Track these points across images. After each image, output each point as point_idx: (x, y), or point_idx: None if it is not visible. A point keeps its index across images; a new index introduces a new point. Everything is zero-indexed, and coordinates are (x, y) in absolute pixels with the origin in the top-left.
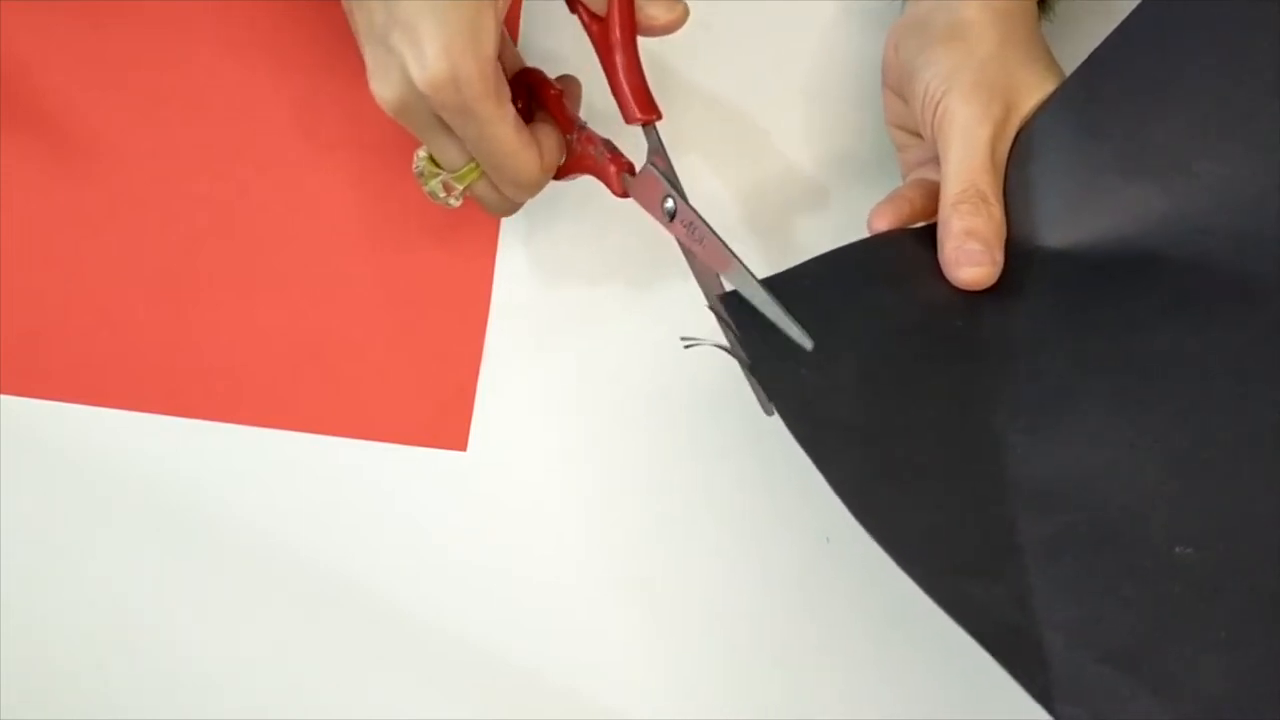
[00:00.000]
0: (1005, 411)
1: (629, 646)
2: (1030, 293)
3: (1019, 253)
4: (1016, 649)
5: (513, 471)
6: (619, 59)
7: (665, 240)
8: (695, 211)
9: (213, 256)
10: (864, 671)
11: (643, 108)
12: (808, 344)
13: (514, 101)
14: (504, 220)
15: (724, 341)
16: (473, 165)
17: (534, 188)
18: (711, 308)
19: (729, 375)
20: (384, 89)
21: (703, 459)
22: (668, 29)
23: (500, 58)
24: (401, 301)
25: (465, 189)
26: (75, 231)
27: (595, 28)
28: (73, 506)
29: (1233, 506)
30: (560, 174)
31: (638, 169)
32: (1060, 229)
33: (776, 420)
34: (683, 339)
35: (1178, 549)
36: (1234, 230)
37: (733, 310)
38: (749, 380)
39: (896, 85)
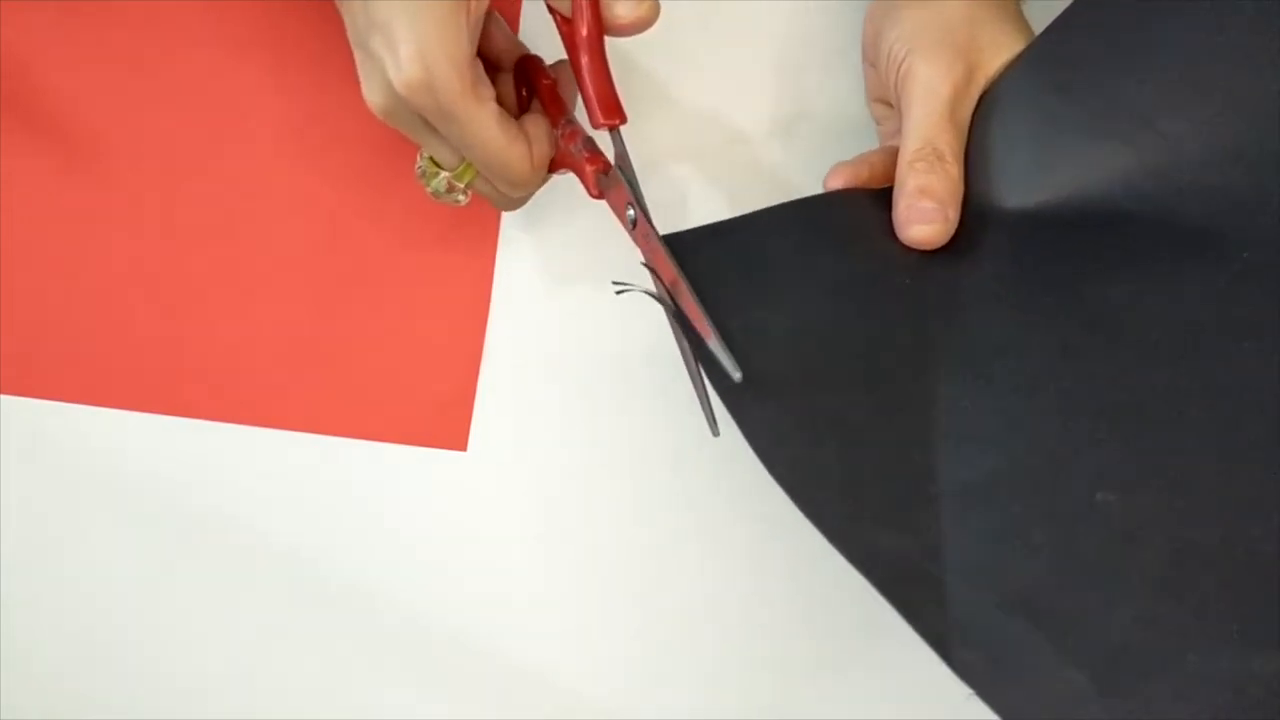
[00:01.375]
0: (943, 363)
1: (628, 646)
2: (986, 252)
3: (979, 213)
4: (915, 595)
5: (513, 471)
6: (584, 61)
7: None
8: (652, 225)
9: (213, 256)
10: (865, 671)
11: (606, 112)
12: (736, 375)
13: (516, 90)
14: (504, 220)
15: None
16: (467, 163)
17: (527, 184)
18: (646, 265)
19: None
20: (370, 93)
21: (703, 458)
22: (635, 28)
23: (495, 48)
24: (401, 301)
25: (467, 185)
26: (75, 231)
27: (564, 29)
28: (73, 506)
29: (1163, 456)
30: (549, 167)
31: (612, 170)
32: (1024, 190)
33: None
34: (614, 283)
35: (1099, 495)
36: (1199, 189)
37: (676, 251)
38: (698, 397)
39: (871, 55)
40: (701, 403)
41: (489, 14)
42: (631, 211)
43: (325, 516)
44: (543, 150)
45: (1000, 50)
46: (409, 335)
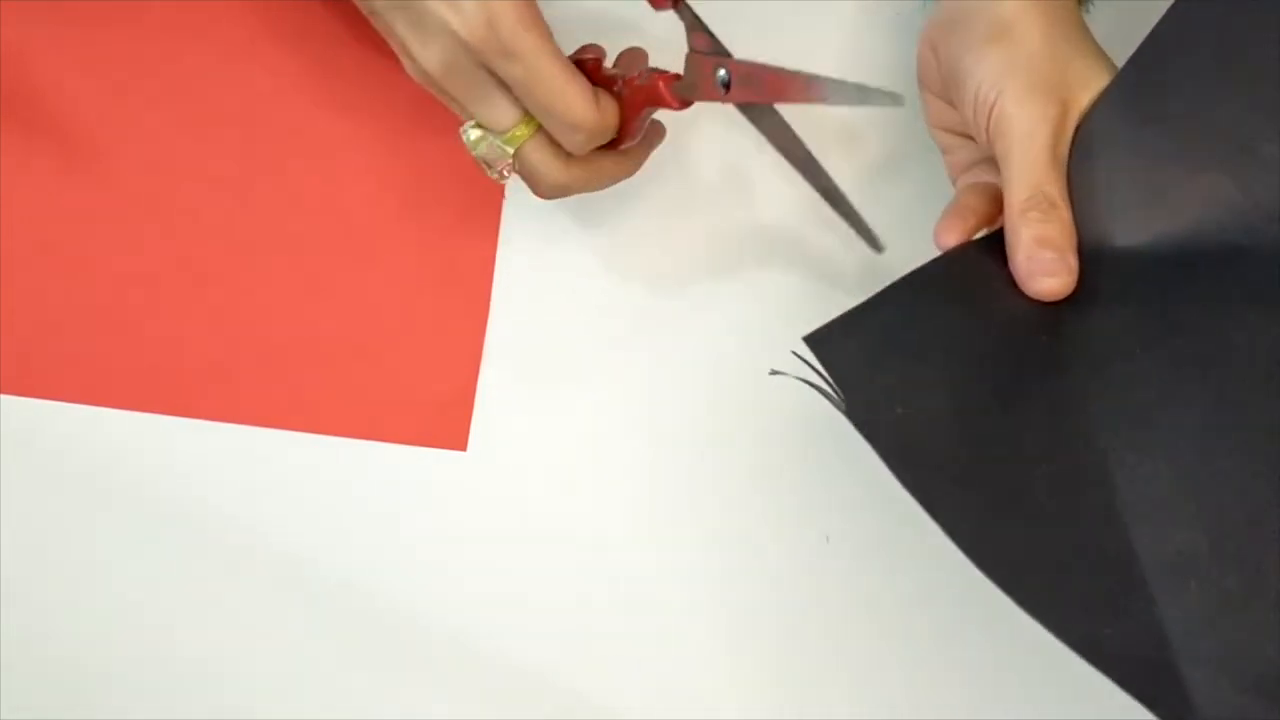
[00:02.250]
0: (1106, 428)
1: (628, 646)
2: (1109, 296)
3: (1091, 255)
4: (1157, 687)
5: (513, 472)
6: None
7: (667, 239)
8: (745, 62)
9: (212, 257)
10: (864, 672)
11: None
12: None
13: None
14: (504, 218)
15: (816, 380)
16: (524, 123)
17: (589, 132)
18: (795, 353)
19: (728, 376)
20: (426, 55)
21: (702, 458)
22: None
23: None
24: (402, 301)
25: (516, 151)
26: (75, 231)
27: None
28: (73, 506)
29: None
30: (624, 132)
31: (685, 68)
32: (1131, 227)
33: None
34: (772, 371)
35: None
36: None
37: (818, 351)
38: (828, 397)
39: (939, 89)
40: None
41: (595, 46)
42: (723, 72)
43: (325, 516)
44: (609, 107)
45: (1088, 83)
46: (409, 335)
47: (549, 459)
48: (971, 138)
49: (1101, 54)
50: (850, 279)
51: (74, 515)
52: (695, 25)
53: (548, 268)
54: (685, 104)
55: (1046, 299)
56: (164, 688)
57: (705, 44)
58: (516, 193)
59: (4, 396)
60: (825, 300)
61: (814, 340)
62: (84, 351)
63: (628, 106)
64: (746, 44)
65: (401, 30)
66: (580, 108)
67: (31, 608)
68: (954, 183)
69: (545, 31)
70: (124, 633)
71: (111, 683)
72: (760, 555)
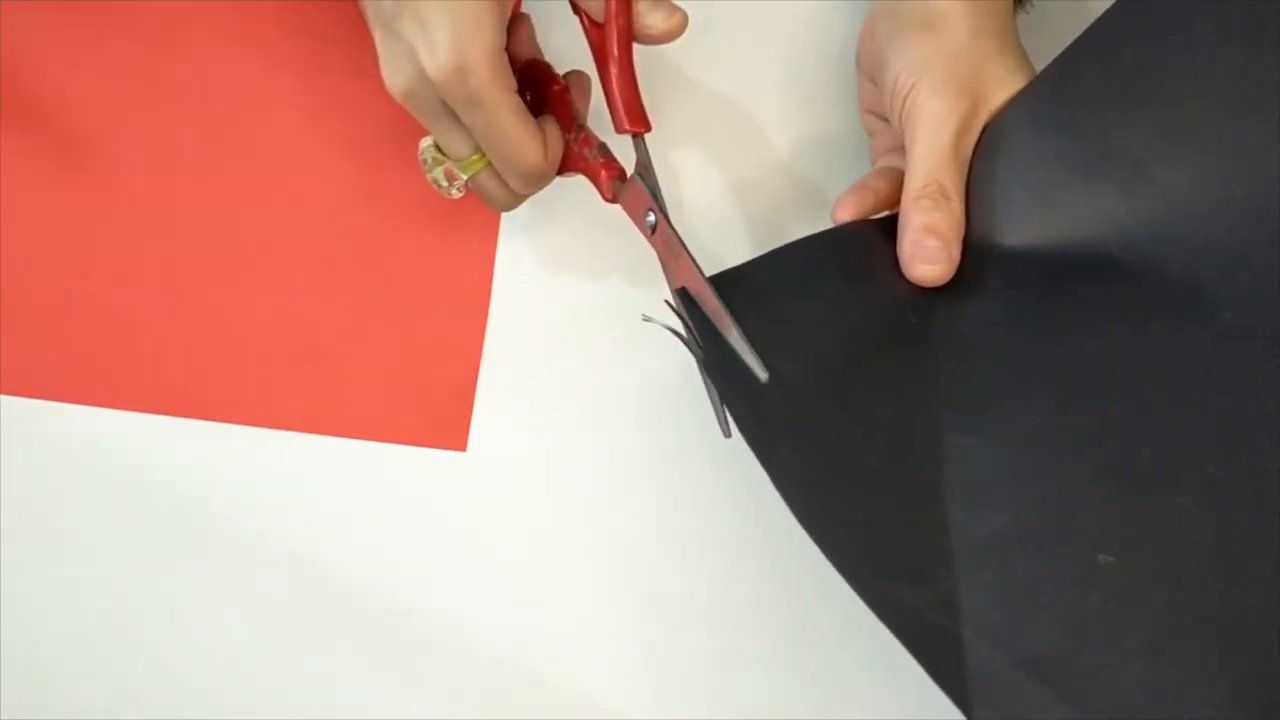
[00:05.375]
0: (950, 411)
1: (626, 647)
2: (986, 291)
3: (978, 249)
4: (939, 652)
5: (512, 472)
6: (613, 68)
7: None
8: (674, 230)
9: (212, 257)
10: (863, 672)
11: (632, 119)
12: (763, 375)
13: (520, 93)
14: (504, 219)
15: (682, 330)
16: (478, 156)
17: (537, 179)
18: (668, 302)
19: None
20: (393, 76)
21: (702, 459)
22: (665, 38)
23: (514, 49)
24: (401, 301)
25: (469, 180)
26: (75, 231)
27: (594, 34)
28: (72, 506)
29: (1158, 518)
30: (559, 170)
31: (629, 176)
32: (1020, 228)
33: None
34: (644, 317)
35: (1101, 557)
36: (1187, 241)
37: (690, 307)
38: (710, 399)
39: (870, 70)
40: (715, 407)
41: (521, 15)
42: (651, 216)
43: (325, 517)
44: (555, 150)
45: (1004, 86)
46: (409, 335)
47: (549, 459)
48: (891, 124)
49: (1024, 59)
50: None
51: (74, 515)
52: (645, 161)
53: (548, 268)
54: (614, 201)
55: (924, 284)
56: (163, 687)
57: (649, 178)
58: None
59: (4, 397)
60: None
61: (683, 295)
62: (84, 351)
63: (569, 158)
64: (705, 26)
65: (378, 44)
66: (532, 159)
67: (31, 608)
68: (873, 165)
69: (510, 83)
70: (124, 632)
71: (111, 682)
72: (762, 555)
